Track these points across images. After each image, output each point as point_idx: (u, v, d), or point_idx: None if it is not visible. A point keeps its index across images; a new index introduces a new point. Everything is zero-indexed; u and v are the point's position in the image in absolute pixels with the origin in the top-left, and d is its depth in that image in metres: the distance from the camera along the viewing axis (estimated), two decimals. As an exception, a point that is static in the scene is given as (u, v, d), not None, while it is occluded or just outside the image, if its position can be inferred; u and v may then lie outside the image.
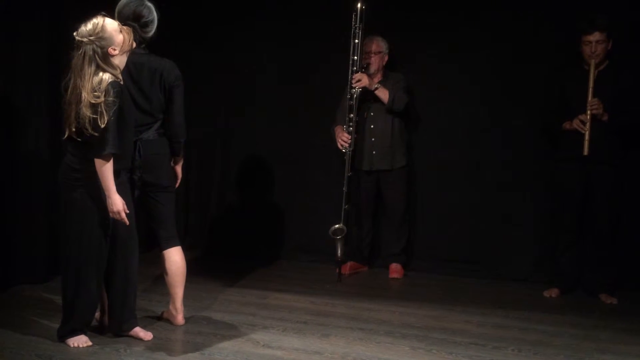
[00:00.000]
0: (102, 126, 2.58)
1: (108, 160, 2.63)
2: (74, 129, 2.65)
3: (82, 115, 2.58)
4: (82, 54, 2.62)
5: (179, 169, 3.18)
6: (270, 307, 3.49)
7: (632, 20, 3.84)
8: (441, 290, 3.94)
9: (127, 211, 2.71)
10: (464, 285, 4.05)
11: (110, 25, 2.68)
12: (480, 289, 3.97)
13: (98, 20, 2.65)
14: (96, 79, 2.60)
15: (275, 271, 4.32)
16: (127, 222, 2.72)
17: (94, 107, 2.58)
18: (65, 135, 2.69)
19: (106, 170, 2.63)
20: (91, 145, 2.63)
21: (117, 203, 2.67)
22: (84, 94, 2.58)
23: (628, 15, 3.83)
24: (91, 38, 2.62)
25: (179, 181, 3.20)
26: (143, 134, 2.97)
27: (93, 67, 2.62)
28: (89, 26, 2.64)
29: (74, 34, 2.65)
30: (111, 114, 2.60)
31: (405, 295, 3.83)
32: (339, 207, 4.05)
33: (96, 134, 2.59)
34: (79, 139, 2.65)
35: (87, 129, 2.59)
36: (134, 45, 2.79)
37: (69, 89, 2.66)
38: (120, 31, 2.69)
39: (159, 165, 3.03)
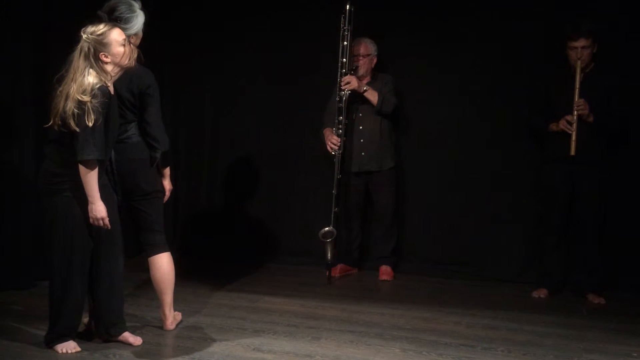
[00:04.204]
0: (90, 125, 2.57)
1: (93, 168, 2.62)
2: (59, 122, 2.64)
3: (68, 108, 2.59)
4: (80, 49, 2.67)
5: (166, 182, 3.07)
6: (261, 310, 3.48)
7: (618, 22, 3.87)
8: (431, 291, 3.95)
9: (108, 218, 2.68)
10: (453, 287, 4.06)
11: (115, 35, 2.70)
12: (470, 290, 3.98)
13: (106, 26, 2.70)
14: (86, 79, 2.62)
15: (265, 274, 4.30)
16: (109, 227, 2.70)
17: (80, 103, 2.59)
18: (50, 123, 2.67)
19: (91, 177, 2.62)
20: (74, 149, 2.61)
21: (99, 209, 2.64)
22: (73, 87, 2.61)
23: (613, 16, 3.87)
24: (90, 37, 2.67)
25: (167, 193, 3.08)
26: (118, 136, 2.85)
27: (87, 64, 2.65)
28: (94, 27, 2.69)
29: (82, 29, 2.69)
30: (99, 118, 2.59)
31: (395, 297, 3.83)
32: (329, 209, 4.05)
33: (78, 130, 2.58)
34: (64, 130, 2.63)
35: (70, 124, 2.59)
36: (134, 64, 2.76)
37: (64, 81, 2.67)
38: (123, 45, 2.70)
39: (136, 170, 2.91)
